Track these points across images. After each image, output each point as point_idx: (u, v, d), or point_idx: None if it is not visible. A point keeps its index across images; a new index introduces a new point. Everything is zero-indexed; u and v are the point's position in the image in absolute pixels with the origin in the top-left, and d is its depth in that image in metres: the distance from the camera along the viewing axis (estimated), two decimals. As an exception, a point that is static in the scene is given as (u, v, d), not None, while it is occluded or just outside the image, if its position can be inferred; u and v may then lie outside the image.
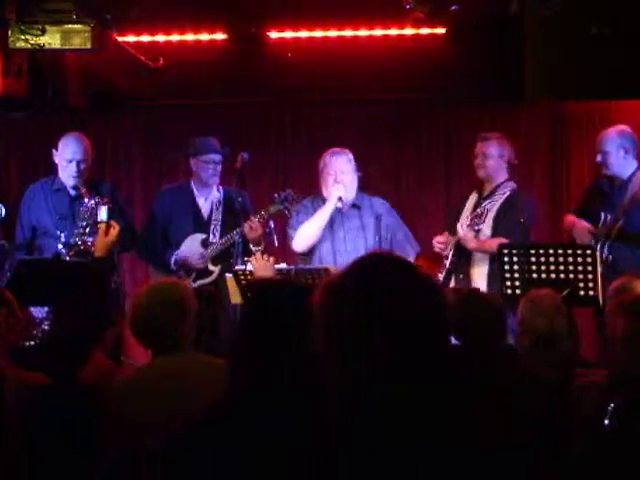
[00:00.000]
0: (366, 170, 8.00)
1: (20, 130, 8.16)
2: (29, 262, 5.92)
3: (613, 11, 6.03)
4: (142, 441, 3.10)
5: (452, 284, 6.34)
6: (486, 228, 6.25)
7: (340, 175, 6.31)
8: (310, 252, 6.40)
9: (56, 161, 6.46)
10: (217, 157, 6.63)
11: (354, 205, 6.40)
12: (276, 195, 6.46)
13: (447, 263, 6.36)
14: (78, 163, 6.37)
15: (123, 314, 6.20)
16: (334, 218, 6.36)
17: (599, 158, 6.35)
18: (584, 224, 6.28)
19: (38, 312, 5.94)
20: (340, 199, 6.28)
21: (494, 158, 6.38)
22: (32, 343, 5.58)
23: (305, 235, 6.37)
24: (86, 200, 6.19)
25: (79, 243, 6.06)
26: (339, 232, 6.36)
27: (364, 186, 6.56)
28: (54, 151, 6.46)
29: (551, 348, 4.34)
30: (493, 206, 6.28)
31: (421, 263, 6.56)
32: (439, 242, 6.39)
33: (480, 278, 6.22)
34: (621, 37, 6.00)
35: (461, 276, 6.32)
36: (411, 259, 6.27)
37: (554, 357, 4.26)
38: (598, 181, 6.61)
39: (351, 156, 6.39)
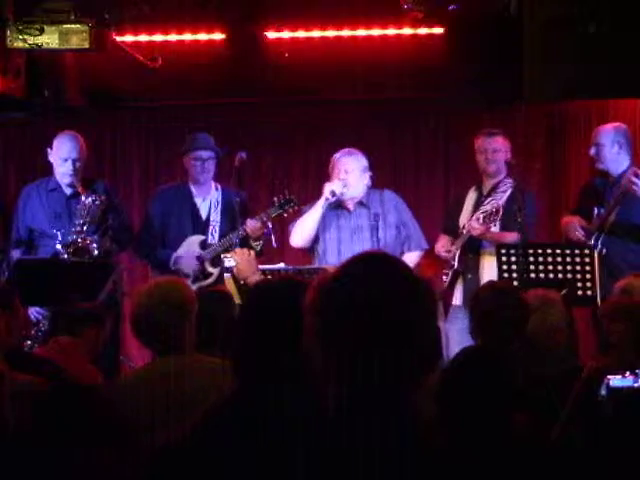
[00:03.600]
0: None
1: (18, 130, 8.15)
2: (27, 262, 5.92)
3: (611, 10, 6.03)
4: (142, 442, 3.09)
5: (459, 284, 6.34)
6: (493, 225, 6.28)
7: (344, 174, 6.31)
8: (314, 251, 6.39)
9: (51, 160, 6.46)
10: (205, 154, 6.59)
11: (362, 203, 6.39)
12: (275, 199, 6.44)
13: (455, 264, 6.35)
14: (74, 161, 6.37)
15: (121, 314, 6.21)
16: (340, 218, 6.36)
17: (593, 150, 6.38)
18: (574, 218, 6.29)
19: (36, 312, 5.95)
20: (333, 193, 6.27)
21: (502, 152, 6.42)
22: (29, 343, 5.59)
23: (300, 230, 6.38)
24: (83, 198, 6.18)
25: (78, 241, 6.05)
26: (345, 232, 6.36)
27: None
28: (49, 150, 6.46)
29: (545, 347, 4.33)
30: (498, 203, 6.29)
31: (422, 261, 6.56)
32: (446, 250, 6.38)
33: (490, 278, 6.20)
34: (619, 36, 6.00)
35: (469, 276, 6.31)
36: (418, 256, 6.32)
37: (550, 356, 4.25)
38: (592, 181, 6.64)
39: (361, 156, 6.40)
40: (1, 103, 7.15)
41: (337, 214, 6.37)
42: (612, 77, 6.10)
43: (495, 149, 6.44)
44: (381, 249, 6.13)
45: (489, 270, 6.19)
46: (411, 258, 6.26)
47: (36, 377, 3.51)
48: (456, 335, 5.86)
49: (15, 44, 6.16)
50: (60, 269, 5.68)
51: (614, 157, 6.32)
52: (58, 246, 6.05)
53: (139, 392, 3.33)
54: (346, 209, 6.38)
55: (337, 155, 6.40)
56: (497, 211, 6.15)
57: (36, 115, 7.66)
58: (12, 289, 4.65)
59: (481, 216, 6.23)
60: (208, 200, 6.66)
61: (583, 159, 7.81)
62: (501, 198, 6.32)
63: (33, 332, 5.81)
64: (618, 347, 3.65)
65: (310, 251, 6.44)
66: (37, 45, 6.12)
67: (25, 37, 6.11)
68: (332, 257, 6.28)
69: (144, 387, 3.35)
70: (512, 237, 6.13)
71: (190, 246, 6.55)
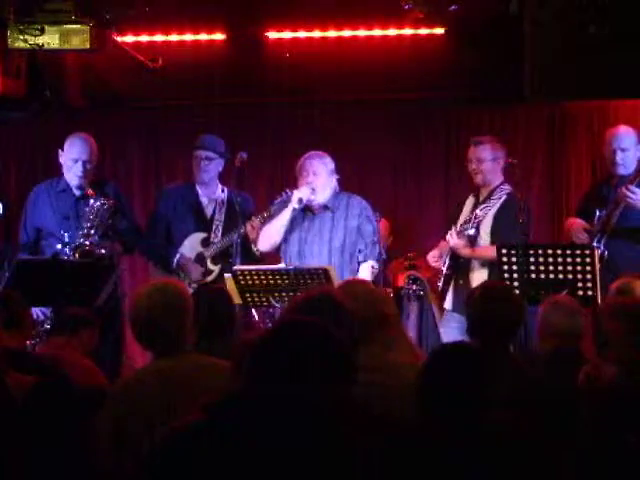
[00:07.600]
0: (364, 170, 8.03)
1: (19, 130, 8.16)
2: (27, 262, 5.92)
3: (611, 11, 6.04)
4: (141, 443, 3.09)
5: (451, 290, 6.33)
6: (484, 233, 6.23)
7: (312, 177, 6.30)
8: (279, 252, 6.39)
9: (61, 161, 6.44)
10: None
11: (326, 207, 6.37)
12: (278, 197, 6.44)
13: (444, 269, 6.33)
14: (84, 163, 6.35)
15: (123, 314, 6.21)
16: (305, 220, 6.35)
17: (620, 156, 6.29)
18: (579, 222, 6.29)
19: (40, 312, 5.95)
20: (300, 201, 6.27)
21: (488, 162, 6.31)
22: (31, 342, 5.59)
23: (266, 235, 6.36)
24: (91, 201, 6.17)
25: (86, 244, 6.05)
26: (308, 235, 6.34)
27: (345, 188, 6.53)
28: (60, 151, 6.44)
29: (572, 350, 4.32)
30: (488, 211, 6.25)
31: (420, 264, 6.55)
32: (434, 259, 6.37)
33: (480, 282, 6.19)
34: (619, 37, 6.00)
35: (461, 282, 6.29)
36: (374, 265, 6.23)
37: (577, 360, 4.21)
38: (597, 184, 6.63)
39: (328, 159, 6.38)
40: (2, 103, 7.16)
41: (301, 216, 6.36)
42: (612, 77, 6.10)
43: (480, 159, 6.32)
44: (338, 249, 6.15)
45: (479, 275, 6.19)
46: (365, 269, 6.22)
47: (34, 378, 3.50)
48: (449, 340, 5.84)
49: (16, 44, 6.17)
50: (60, 269, 5.67)
51: (633, 161, 6.30)
52: (58, 245, 6.04)
53: (138, 393, 3.33)
54: (310, 211, 6.38)
55: (304, 158, 6.39)
56: (469, 220, 6.14)
57: (36, 115, 7.67)
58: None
59: (458, 227, 6.22)
60: (213, 201, 6.67)
61: (583, 160, 7.82)
62: (494, 205, 6.29)
63: (34, 332, 5.81)
64: (615, 346, 3.65)
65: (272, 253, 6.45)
66: (38, 45, 6.13)
67: (26, 37, 6.12)
68: (294, 258, 6.27)
69: (143, 388, 3.35)
70: (493, 252, 5.93)
71: (192, 243, 6.56)
